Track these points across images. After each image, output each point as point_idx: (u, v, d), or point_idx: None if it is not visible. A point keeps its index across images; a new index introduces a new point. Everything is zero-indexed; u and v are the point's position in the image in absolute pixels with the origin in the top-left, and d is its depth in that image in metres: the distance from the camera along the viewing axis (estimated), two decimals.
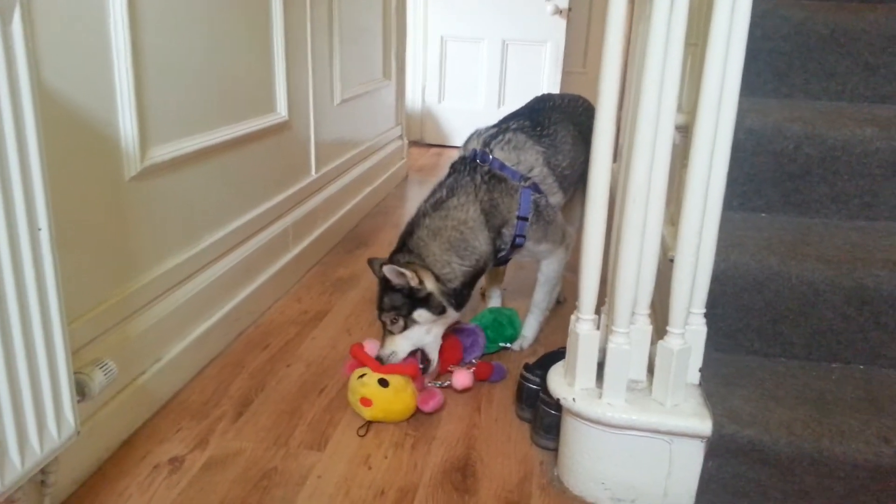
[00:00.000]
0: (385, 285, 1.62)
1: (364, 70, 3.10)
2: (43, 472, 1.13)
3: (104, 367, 1.26)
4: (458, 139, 4.28)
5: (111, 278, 1.42)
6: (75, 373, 1.18)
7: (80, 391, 1.21)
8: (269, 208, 2.15)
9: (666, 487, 1.31)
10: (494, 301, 2.17)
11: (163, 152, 1.54)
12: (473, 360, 1.80)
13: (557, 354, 1.48)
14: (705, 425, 1.23)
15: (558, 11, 4.44)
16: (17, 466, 1.00)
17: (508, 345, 1.92)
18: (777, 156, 1.52)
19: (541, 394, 1.50)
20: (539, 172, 1.76)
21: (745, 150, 1.51)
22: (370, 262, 1.77)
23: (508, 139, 1.75)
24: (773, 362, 1.40)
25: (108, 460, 1.40)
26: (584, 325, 1.31)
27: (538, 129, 1.81)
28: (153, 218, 1.55)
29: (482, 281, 2.06)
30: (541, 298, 1.94)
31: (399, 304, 1.60)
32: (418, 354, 1.67)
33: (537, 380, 1.55)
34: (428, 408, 1.59)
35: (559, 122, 1.87)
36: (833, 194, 1.54)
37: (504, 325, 1.92)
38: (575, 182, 1.90)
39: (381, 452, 1.48)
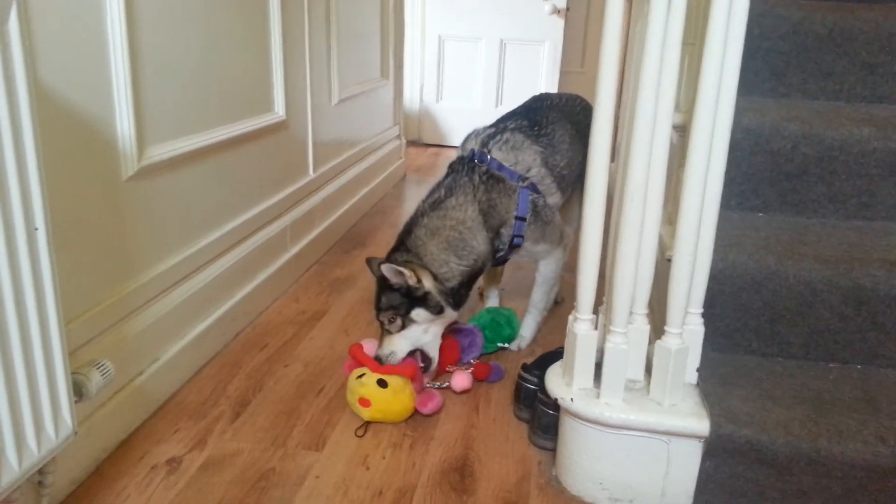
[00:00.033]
0: (383, 284, 1.62)
1: (362, 70, 3.10)
2: (41, 472, 1.13)
3: (101, 368, 1.26)
4: (456, 139, 4.28)
5: (108, 278, 1.42)
6: (73, 373, 1.18)
7: (78, 392, 1.20)
8: (267, 208, 2.15)
9: (664, 487, 1.31)
10: (492, 301, 2.17)
11: (160, 152, 1.54)
12: (471, 361, 1.80)
13: (555, 354, 1.48)
14: (703, 425, 1.23)
15: (556, 11, 4.44)
16: (15, 467, 1.00)
17: (506, 345, 1.92)
18: (774, 155, 1.52)
19: (539, 394, 1.50)
20: (537, 173, 1.76)
21: (743, 150, 1.52)
22: (368, 261, 1.77)
23: (506, 139, 1.75)
24: (770, 362, 1.40)
25: (106, 461, 1.40)
26: (581, 325, 1.31)
27: (536, 128, 1.81)
28: (150, 218, 1.55)
29: (480, 281, 2.06)
30: (539, 298, 1.94)
31: (397, 303, 1.60)
32: (418, 354, 1.67)
33: (535, 380, 1.55)
34: (427, 409, 1.59)
35: (557, 121, 1.86)
36: (830, 194, 1.54)
37: (502, 326, 1.92)
38: (573, 182, 1.90)
39: (379, 453, 1.48)
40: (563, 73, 4.59)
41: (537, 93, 2.16)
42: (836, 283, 1.34)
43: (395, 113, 3.76)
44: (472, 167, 1.71)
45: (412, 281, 1.57)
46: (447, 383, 1.71)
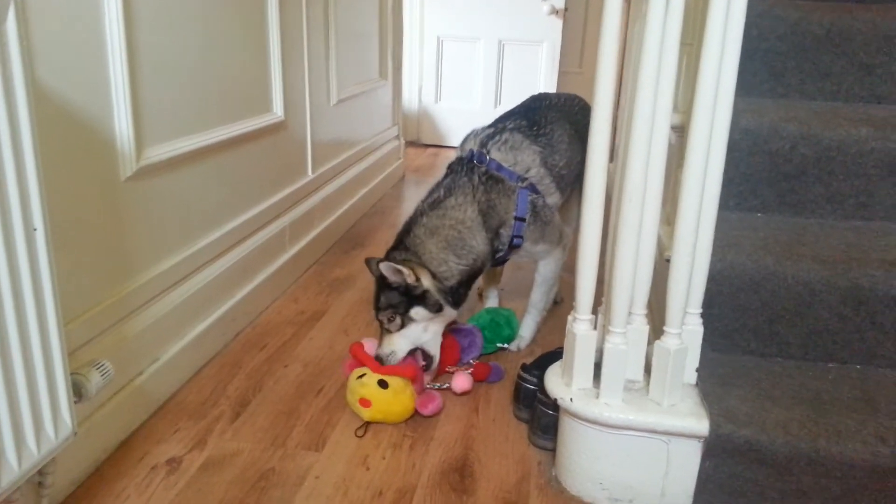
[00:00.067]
0: (382, 284, 1.62)
1: (360, 70, 3.10)
2: (40, 473, 1.13)
3: (101, 368, 1.26)
4: (455, 139, 4.28)
5: (107, 279, 1.42)
6: (72, 374, 1.18)
7: (77, 392, 1.20)
8: (266, 208, 2.15)
9: (663, 487, 1.31)
10: (492, 301, 2.17)
11: (158, 152, 1.54)
12: (471, 361, 1.80)
13: (555, 355, 1.48)
14: (702, 425, 1.23)
15: (554, 11, 4.44)
16: (15, 468, 1.00)
17: (506, 345, 1.93)
18: (773, 156, 1.52)
19: (538, 394, 1.50)
20: (536, 173, 1.76)
21: (741, 150, 1.52)
22: (367, 261, 1.77)
23: (505, 139, 1.76)
24: (769, 362, 1.40)
25: (106, 461, 1.40)
26: (581, 326, 1.31)
27: (535, 128, 1.81)
28: (149, 218, 1.55)
29: (479, 281, 2.06)
30: (538, 299, 1.94)
31: (396, 302, 1.60)
32: (418, 353, 1.67)
33: (535, 380, 1.55)
34: (427, 411, 1.59)
35: (555, 121, 1.87)
36: (828, 194, 1.54)
37: (501, 326, 1.92)
38: (572, 182, 1.90)
39: (379, 453, 1.48)
40: (562, 74, 4.60)
41: (536, 93, 2.17)
42: (835, 283, 1.34)
43: (393, 113, 3.76)
44: (472, 168, 1.71)
45: (411, 279, 1.57)
46: (447, 384, 1.71)
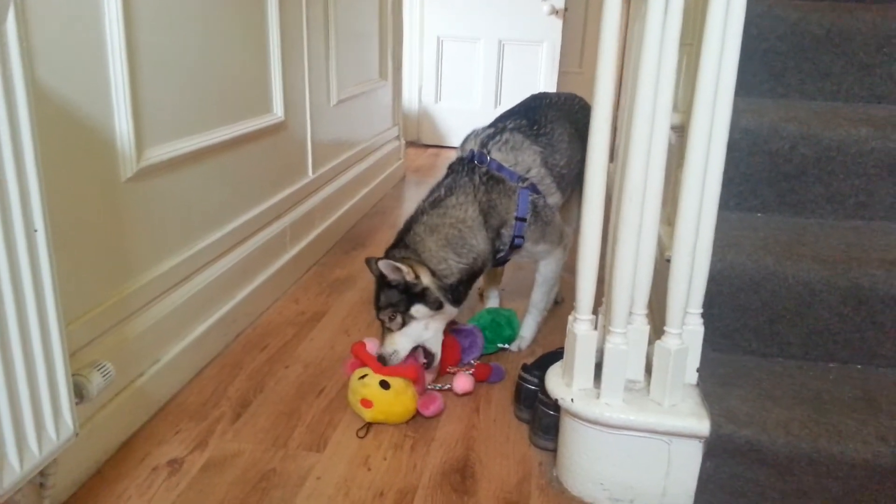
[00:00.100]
0: (381, 282, 1.62)
1: (360, 70, 3.10)
2: (42, 474, 1.13)
3: (102, 369, 1.26)
4: (455, 139, 4.27)
5: (108, 280, 1.42)
6: (73, 375, 1.18)
7: (79, 393, 1.21)
8: (267, 209, 2.15)
9: (664, 487, 1.31)
10: (492, 302, 2.17)
11: (159, 153, 1.54)
12: (472, 362, 1.80)
13: (555, 355, 1.48)
14: (703, 425, 1.23)
15: (554, 11, 4.44)
16: (16, 469, 1.00)
17: (507, 345, 1.93)
18: (773, 156, 1.53)
19: (539, 394, 1.50)
20: (537, 173, 1.76)
21: (741, 150, 1.52)
22: (367, 261, 1.77)
23: (506, 140, 1.76)
24: (770, 362, 1.40)
25: (107, 462, 1.40)
26: (581, 326, 1.31)
27: (535, 127, 1.81)
28: (150, 219, 1.55)
29: (480, 282, 2.06)
30: (539, 299, 1.94)
31: (396, 300, 1.60)
32: (419, 351, 1.67)
33: (535, 380, 1.55)
34: (428, 412, 1.59)
35: (556, 120, 1.87)
36: (828, 194, 1.54)
37: (502, 326, 1.92)
38: (573, 181, 1.90)
39: (380, 454, 1.48)
40: (562, 74, 4.60)
41: (535, 92, 2.16)
42: (835, 283, 1.34)
43: (393, 114, 3.76)
44: (472, 168, 1.71)
45: (410, 277, 1.57)
46: (448, 385, 1.71)
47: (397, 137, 3.86)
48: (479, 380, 1.75)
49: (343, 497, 1.34)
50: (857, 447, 1.18)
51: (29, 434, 1.03)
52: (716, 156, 1.20)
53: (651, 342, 1.31)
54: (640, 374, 1.33)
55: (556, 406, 1.39)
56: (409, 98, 4.74)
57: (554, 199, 1.81)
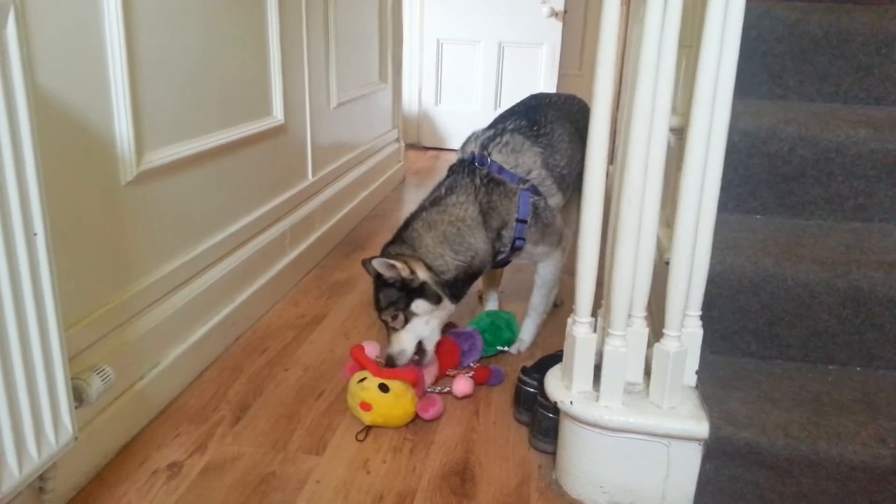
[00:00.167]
0: (379, 282, 1.62)
1: (360, 73, 3.11)
2: (41, 478, 1.13)
3: (102, 373, 1.27)
4: (455, 142, 4.27)
5: (108, 283, 1.42)
6: (73, 378, 1.18)
7: (78, 397, 1.21)
8: (266, 212, 2.16)
9: (664, 490, 1.31)
10: (492, 304, 2.17)
11: (159, 157, 1.54)
12: (472, 364, 1.80)
13: (555, 357, 1.48)
14: (702, 428, 1.23)
15: (554, 14, 4.45)
16: (15, 473, 1.00)
17: (506, 348, 1.93)
18: (772, 157, 1.53)
19: (538, 397, 1.50)
20: (537, 175, 1.76)
21: (740, 152, 1.52)
22: (364, 262, 1.76)
23: (506, 141, 1.76)
24: (769, 364, 1.40)
25: (107, 466, 1.40)
26: (580, 328, 1.31)
27: (535, 128, 1.81)
28: (150, 222, 1.55)
29: (479, 284, 2.07)
30: (538, 301, 1.94)
31: (395, 298, 1.59)
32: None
33: (535, 383, 1.55)
34: (428, 415, 1.59)
35: (556, 120, 1.86)
36: (827, 196, 1.54)
37: (502, 329, 1.92)
38: (573, 181, 1.89)
39: (379, 457, 1.48)
40: (562, 76, 4.60)
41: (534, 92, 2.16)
42: (834, 284, 1.34)
43: (393, 116, 3.77)
44: (473, 170, 1.71)
45: (405, 273, 1.57)
46: (448, 388, 1.71)
47: (397, 140, 3.86)
48: (478, 383, 1.74)
49: (342, 500, 1.34)
50: (856, 449, 1.18)
51: (28, 438, 1.03)
52: (714, 158, 1.20)
53: (650, 344, 1.31)
54: (639, 377, 1.33)
55: (555, 409, 1.39)
56: (409, 100, 4.75)
57: (555, 200, 1.81)
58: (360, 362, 1.64)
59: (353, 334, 2.03)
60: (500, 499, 1.36)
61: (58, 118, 1.23)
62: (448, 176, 1.76)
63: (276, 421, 1.58)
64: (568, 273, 1.66)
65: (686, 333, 1.28)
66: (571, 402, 1.32)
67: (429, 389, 1.68)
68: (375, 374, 1.58)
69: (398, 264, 1.55)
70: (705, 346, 1.32)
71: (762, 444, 1.20)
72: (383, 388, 1.55)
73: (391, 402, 1.55)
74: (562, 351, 1.40)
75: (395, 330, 1.62)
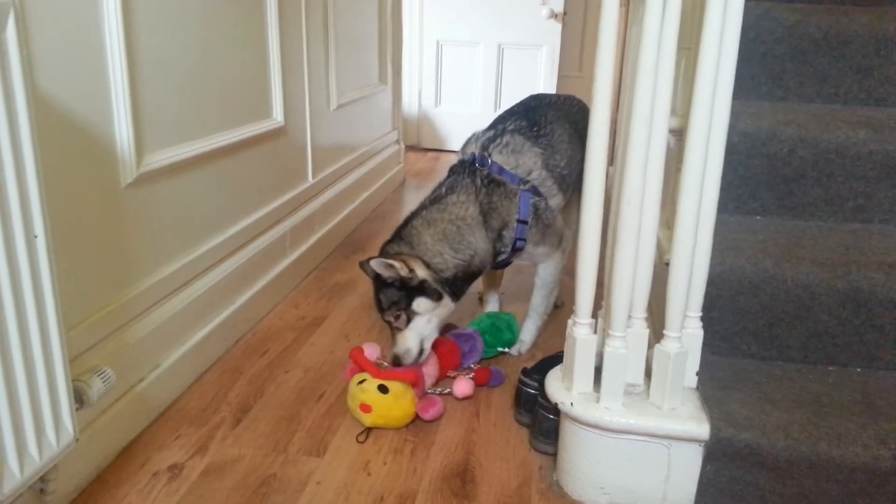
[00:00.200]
0: (379, 283, 1.62)
1: (360, 75, 3.11)
2: (42, 479, 1.13)
3: (102, 375, 1.27)
4: (455, 143, 4.29)
5: (108, 285, 1.42)
6: (73, 380, 1.18)
7: (79, 399, 1.21)
8: (267, 214, 2.16)
9: (664, 491, 1.31)
10: (492, 306, 2.17)
11: (159, 159, 1.54)
12: (472, 366, 1.80)
13: (555, 359, 1.48)
14: (703, 429, 1.23)
15: (553, 15, 4.45)
16: (16, 474, 1.00)
17: (507, 349, 1.93)
18: (771, 159, 1.53)
19: (539, 398, 1.50)
20: (538, 175, 1.76)
21: (740, 154, 1.52)
22: (362, 264, 1.76)
23: (507, 142, 1.76)
24: (769, 365, 1.40)
25: (108, 468, 1.40)
26: (581, 330, 1.31)
27: (535, 128, 1.81)
28: (150, 224, 1.55)
29: (480, 286, 2.07)
30: (538, 303, 1.94)
31: (396, 298, 1.60)
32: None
33: (535, 384, 1.55)
34: (428, 416, 1.59)
35: (555, 120, 1.87)
36: (827, 197, 1.54)
37: (502, 330, 1.92)
38: (574, 181, 1.89)
39: (380, 458, 1.48)
40: (561, 78, 4.61)
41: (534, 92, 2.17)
42: (834, 285, 1.34)
43: (393, 118, 3.77)
44: (473, 170, 1.71)
45: (404, 272, 1.57)
46: (448, 389, 1.71)
47: (397, 141, 3.86)
48: (479, 384, 1.74)
49: (343, 502, 1.34)
50: (856, 450, 1.18)
51: (29, 440, 1.03)
52: (714, 159, 1.20)
53: (650, 346, 1.31)
54: (639, 378, 1.33)
55: (555, 410, 1.39)
56: (409, 102, 4.75)
57: (556, 200, 1.81)
58: (360, 364, 1.64)
59: (354, 336, 2.03)
60: (501, 500, 1.36)
61: (58, 120, 1.23)
62: (449, 176, 1.76)
63: (276, 423, 1.58)
64: (568, 274, 1.66)
65: (686, 335, 1.28)
66: (572, 404, 1.32)
67: (429, 391, 1.68)
68: (374, 375, 1.58)
69: (396, 263, 1.55)
70: (705, 348, 1.32)
71: (763, 445, 1.20)
72: (382, 389, 1.55)
73: (390, 404, 1.55)
74: (562, 352, 1.40)
75: (399, 329, 1.63)
